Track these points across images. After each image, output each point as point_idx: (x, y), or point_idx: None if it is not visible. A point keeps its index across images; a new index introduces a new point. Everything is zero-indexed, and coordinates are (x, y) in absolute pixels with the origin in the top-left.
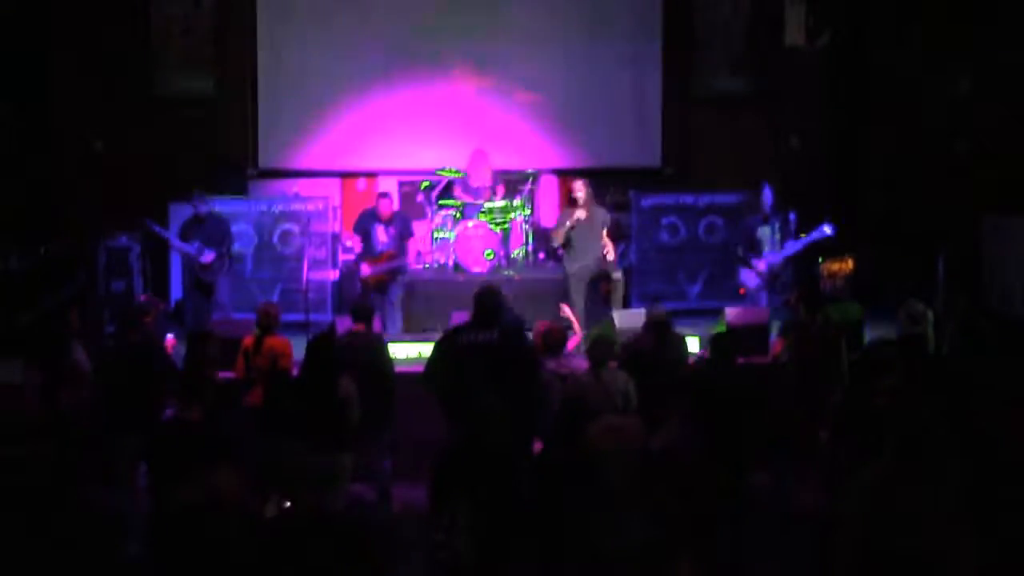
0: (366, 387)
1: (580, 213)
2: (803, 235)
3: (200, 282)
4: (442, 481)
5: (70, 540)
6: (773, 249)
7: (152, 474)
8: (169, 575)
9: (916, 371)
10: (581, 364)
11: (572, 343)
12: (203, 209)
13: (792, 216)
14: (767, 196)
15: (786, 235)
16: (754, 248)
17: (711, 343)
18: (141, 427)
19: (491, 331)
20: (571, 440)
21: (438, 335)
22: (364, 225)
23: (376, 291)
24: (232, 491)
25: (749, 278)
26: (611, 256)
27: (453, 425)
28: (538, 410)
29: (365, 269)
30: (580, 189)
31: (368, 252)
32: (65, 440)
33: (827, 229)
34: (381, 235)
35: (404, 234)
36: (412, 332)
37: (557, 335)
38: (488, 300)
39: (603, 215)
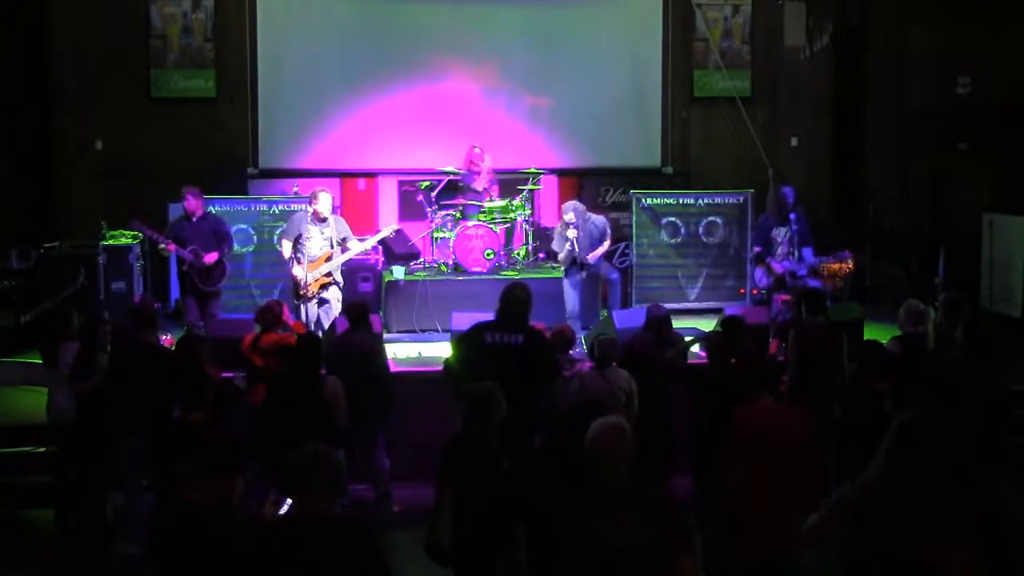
0: (361, 387)
1: (571, 233)
2: (823, 255)
3: (197, 289)
4: (440, 471)
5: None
6: (786, 249)
7: (157, 476)
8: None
9: (917, 370)
10: (584, 364)
11: None
12: (192, 206)
13: (792, 216)
14: (788, 197)
15: (803, 239)
16: (769, 247)
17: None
18: (148, 429)
19: (518, 333)
20: (573, 437)
21: (445, 335)
22: (296, 228)
23: (312, 297)
24: (236, 495)
25: (762, 278)
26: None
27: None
28: (547, 413)
29: (300, 274)
30: (572, 219)
31: (305, 257)
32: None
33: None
34: (317, 237)
35: (343, 236)
36: (413, 332)
37: (567, 336)
38: (517, 300)
39: (597, 228)
